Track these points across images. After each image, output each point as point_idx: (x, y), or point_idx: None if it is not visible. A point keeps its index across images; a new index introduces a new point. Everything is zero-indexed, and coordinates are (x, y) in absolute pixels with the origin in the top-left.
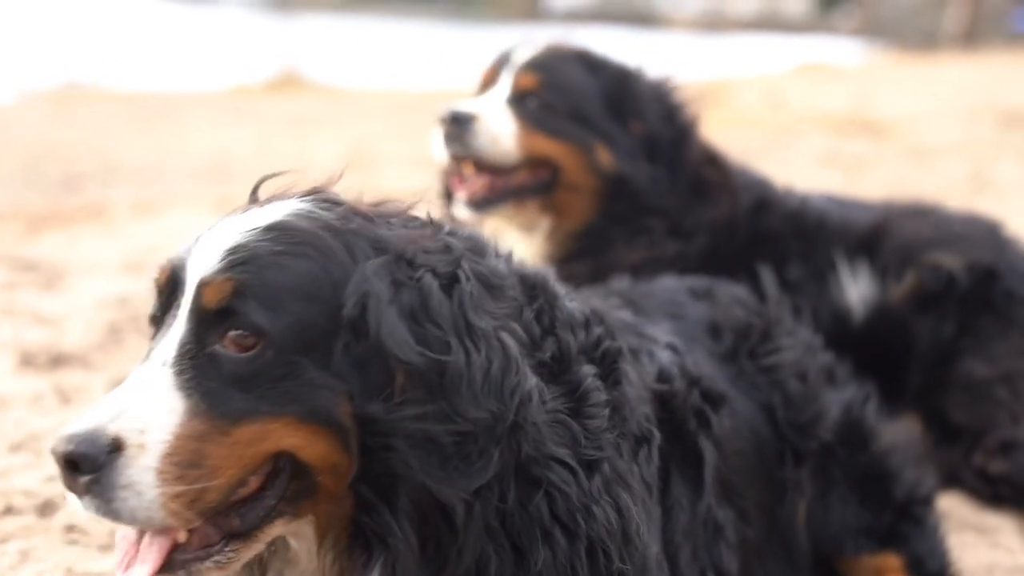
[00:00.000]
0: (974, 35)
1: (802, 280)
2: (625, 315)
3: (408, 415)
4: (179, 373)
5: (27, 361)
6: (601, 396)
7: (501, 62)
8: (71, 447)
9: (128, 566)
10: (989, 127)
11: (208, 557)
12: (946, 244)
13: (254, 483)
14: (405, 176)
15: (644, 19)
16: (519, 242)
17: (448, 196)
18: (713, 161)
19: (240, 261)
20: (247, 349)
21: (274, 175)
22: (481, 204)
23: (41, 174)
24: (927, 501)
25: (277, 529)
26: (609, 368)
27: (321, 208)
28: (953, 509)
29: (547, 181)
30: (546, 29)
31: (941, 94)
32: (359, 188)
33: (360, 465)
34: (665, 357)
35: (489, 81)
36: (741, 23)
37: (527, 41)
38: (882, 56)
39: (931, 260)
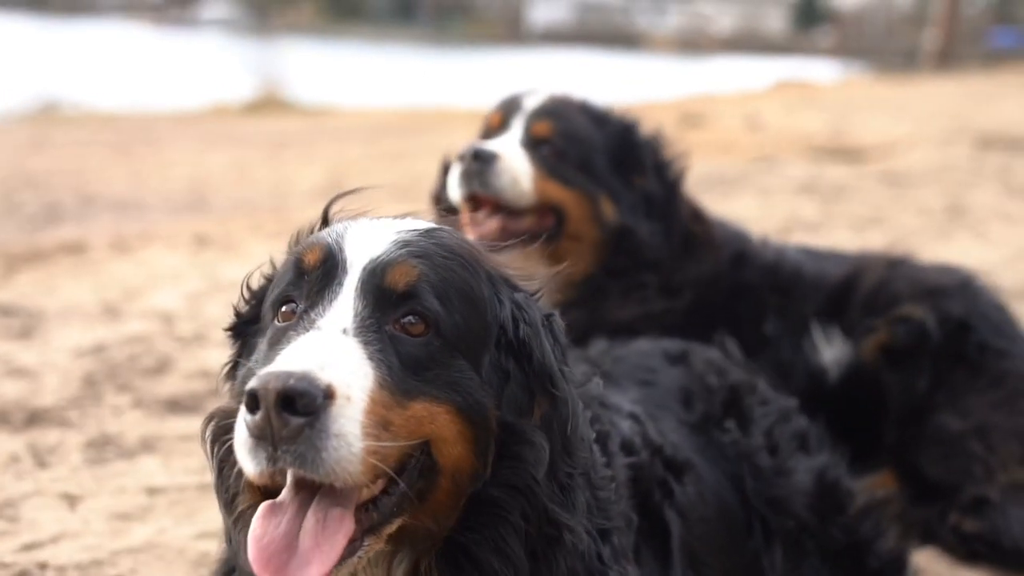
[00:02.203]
0: (951, 53)
1: (778, 335)
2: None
3: (544, 436)
4: (365, 344)
5: (2, 418)
6: (608, 471)
7: (510, 107)
8: (291, 383)
9: (295, 562)
10: (966, 149)
11: (355, 552)
12: (918, 296)
13: (383, 480)
14: (385, 203)
15: (624, 38)
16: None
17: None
18: (698, 217)
19: (418, 253)
20: (414, 335)
21: (345, 194)
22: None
23: (18, 206)
24: (901, 566)
25: (394, 526)
26: (602, 450)
27: (454, 230)
28: (929, 566)
29: (552, 229)
30: (528, 50)
31: (918, 116)
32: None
33: (493, 471)
34: (626, 427)
35: (497, 125)
36: (720, 41)
37: (534, 89)
38: (859, 76)
39: (902, 314)
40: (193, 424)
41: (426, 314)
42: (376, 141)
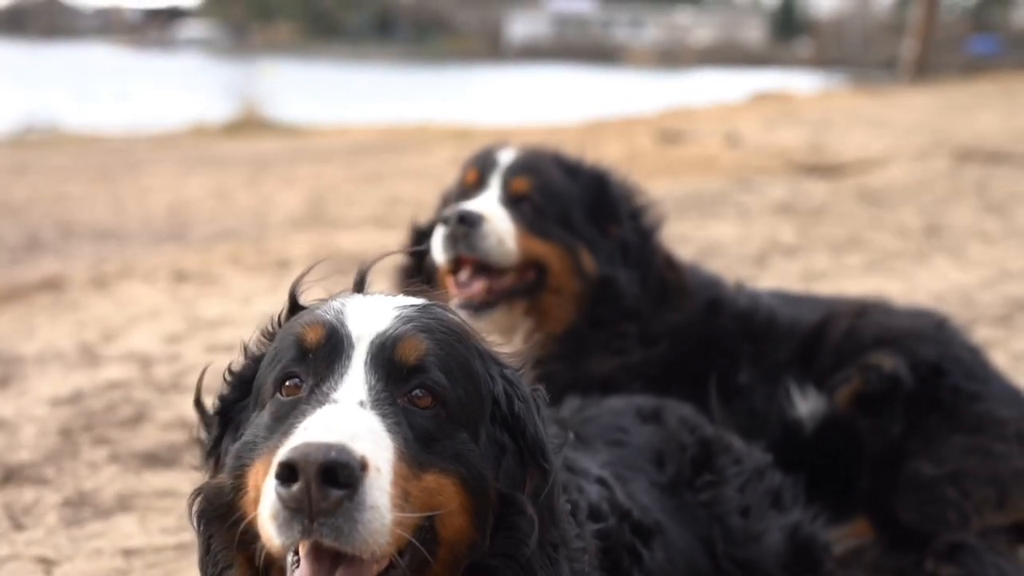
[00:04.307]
0: (929, 62)
1: (752, 384)
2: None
3: (536, 508)
4: (383, 416)
5: None
6: (580, 543)
7: (485, 164)
8: (332, 455)
9: None
10: (944, 163)
11: None
12: (891, 343)
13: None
14: (364, 229)
15: (602, 52)
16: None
17: (414, 275)
18: (671, 264)
19: (423, 328)
20: (421, 408)
21: (305, 273)
22: (480, 307)
23: None
24: None
25: None
26: (573, 520)
27: (446, 306)
28: None
29: (532, 284)
30: (506, 66)
31: (896, 129)
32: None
33: (491, 541)
34: (594, 493)
35: (473, 183)
36: (698, 52)
37: (506, 144)
38: (838, 87)
39: (874, 361)
40: (170, 479)
41: (434, 388)
42: (355, 162)
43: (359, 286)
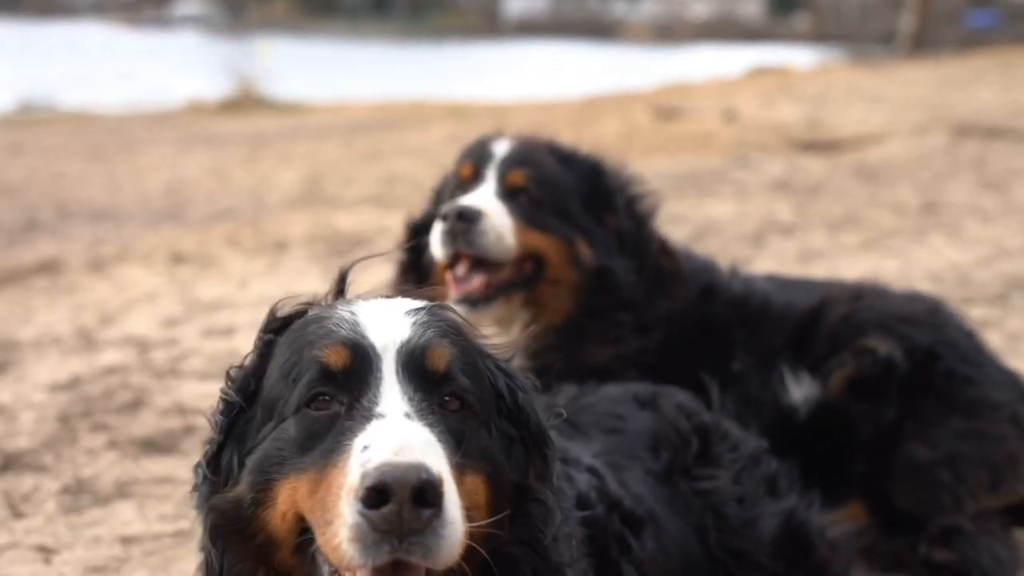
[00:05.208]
0: (927, 36)
1: (746, 370)
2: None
3: (547, 495)
4: (430, 426)
5: None
6: (567, 529)
7: (480, 156)
8: (424, 476)
9: None
10: (941, 139)
11: None
12: (885, 327)
13: None
14: (362, 208)
15: (600, 27)
16: (497, 336)
17: (411, 270)
18: (666, 250)
19: (442, 333)
20: (452, 412)
21: (289, 298)
22: (479, 302)
23: None
24: None
25: None
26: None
27: (448, 306)
28: None
29: (530, 276)
30: (504, 42)
31: (894, 104)
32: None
33: (508, 530)
34: (583, 482)
35: (469, 176)
36: (696, 27)
37: (501, 134)
38: (835, 61)
39: (868, 346)
40: (168, 466)
41: (462, 393)
42: (352, 139)
43: (340, 286)
